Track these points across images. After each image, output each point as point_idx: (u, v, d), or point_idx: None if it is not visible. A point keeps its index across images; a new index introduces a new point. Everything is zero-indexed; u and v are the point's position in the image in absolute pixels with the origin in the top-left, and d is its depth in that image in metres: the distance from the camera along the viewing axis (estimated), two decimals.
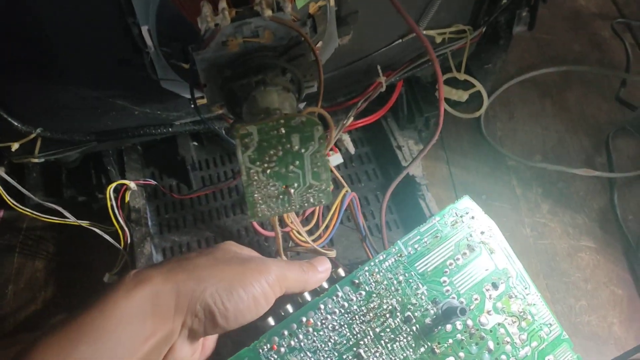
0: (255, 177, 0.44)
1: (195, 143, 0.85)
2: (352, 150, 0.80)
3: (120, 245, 0.73)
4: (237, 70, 0.45)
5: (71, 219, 0.74)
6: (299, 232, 0.56)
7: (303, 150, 0.44)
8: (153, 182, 0.77)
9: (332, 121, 0.46)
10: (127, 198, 0.75)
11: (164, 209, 0.80)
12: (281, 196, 0.47)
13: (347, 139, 0.78)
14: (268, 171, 0.44)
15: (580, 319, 0.68)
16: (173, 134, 0.74)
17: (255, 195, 0.46)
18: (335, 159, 0.82)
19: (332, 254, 0.59)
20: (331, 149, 0.81)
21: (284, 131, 0.42)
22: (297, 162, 0.45)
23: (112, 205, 0.72)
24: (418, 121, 0.83)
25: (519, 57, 0.96)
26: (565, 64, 0.94)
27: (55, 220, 0.75)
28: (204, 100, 0.51)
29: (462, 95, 0.77)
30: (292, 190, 0.46)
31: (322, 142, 0.44)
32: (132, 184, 0.74)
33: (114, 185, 0.72)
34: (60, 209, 0.71)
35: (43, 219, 0.75)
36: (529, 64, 0.94)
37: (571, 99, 0.91)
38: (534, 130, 0.87)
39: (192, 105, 0.53)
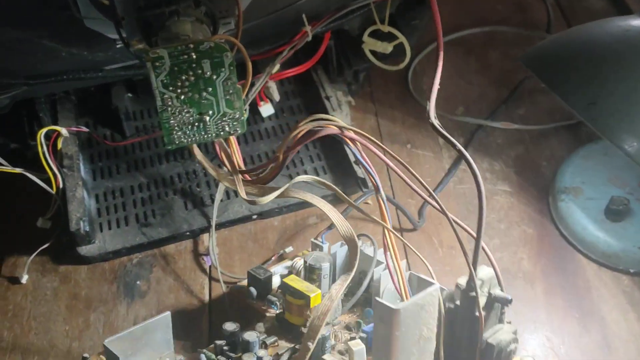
0: (170, 103, 0.47)
1: (130, 95, 0.86)
2: (276, 97, 0.82)
3: (52, 190, 0.74)
4: (151, 1, 0.47)
5: (5, 166, 0.75)
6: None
7: (214, 77, 0.46)
8: (85, 129, 0.79)
9: (246, 52, 0.49)
10: (60, 145, 0.77)
11: (97, 157, 0.82)
12: (197, 123, 0.49)
13: (273, 86, 0.81)
14: (182, 97, 0.47)
15: (492, 255, 0.72)
16: (104, 80, 0.75)
17: (171, 121, 0.48)
18: (267, 109, 0.84)
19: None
20: (262, 99, 0.83)
21: (194, 56, 0.45)
22: (210, 89, 0.47)
23: (43, 151, 0.73)
24: (347, 74, 0.86)
25: (447, 17, 0.99)
26: (490, 24, 0.98)
27: None
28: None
29: (387, 47, 0.80)
30: (207, 118, 0.49)
31: (233, 70, 0.47)
32: (63, 130, 0.76)
33: (44, 130, 0.74)
34: None
35: None
36: (456, 24, 0.98)
37: (494, 56, 0.95)
38: (458, 84, 0.92)
39: (120, 42, 0.55)
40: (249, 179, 0.58)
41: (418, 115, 0.88)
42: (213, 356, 0.59)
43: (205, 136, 0.50)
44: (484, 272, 0.57)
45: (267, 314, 0.66)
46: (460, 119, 0.87)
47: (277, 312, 0.65)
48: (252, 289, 0.67)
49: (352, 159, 0.78)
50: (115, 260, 0.74)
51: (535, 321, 0.68)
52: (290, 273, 0.67)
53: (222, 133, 0.50)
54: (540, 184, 0.80)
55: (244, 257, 0.74)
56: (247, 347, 0.59)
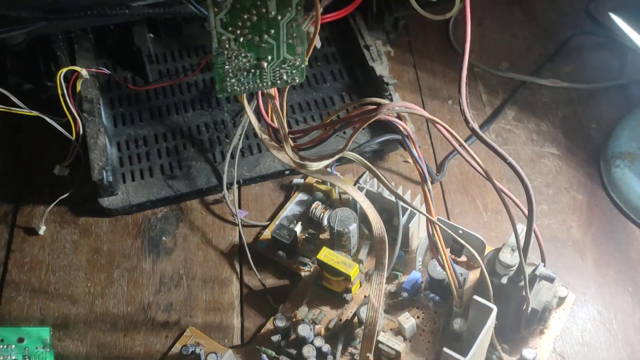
0: (227, 46, 0.41)
1: (152, 35, 0.80)
2: (318, 44, 0.76)
3: (72, 136, 0.69)
4: None
5: (21, 107, 0.69)
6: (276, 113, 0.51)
7: (279, 17, 0.41)
8: (107, 71, 0.73)
9: None
10: (79, 87, 0.71)
11: (118, 102, 0.76)
12: (253, 70, 0.44)
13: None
14: (241, 39, 0.41)
15: (540, 222, 0.69)
16: (129, 18, 0.70)
17: (226, 67, 0.43)
18: None
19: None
20: None
21: None
22: (272, 31, 0.42)
23: (62, 93, 0.67)
24: (387, 21, 0.80)
25: None
26: None
27: (1, 108, 0.70)
28: None
29: None
30: (264, 64, 0.43)
31: (300, 10, 0.41)
32: (84, 72, 0.70)
33: (64, 70, 0.68)
34: (7, 93, 0.66)
35: None
36: None
37: (539, 7, 0.89)
38: (502, 37, 0.86)
39: None
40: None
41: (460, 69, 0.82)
42: (273, 354, 0.58)
43: (260, 84, 0.45)
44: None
45: (303, 274, 0.64)
46: (505, 74, 0.82)
47: (310, 270, 0.64)
48: (281, 252, 0.64)
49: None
50: (138, 214, 0.69)
51: (585, 293, 0.64)
52: (311, 219, 0.66)
53: (278, 82, 0.45)
54: (589, 147, 0.75)
55: (275, 212, 0.69)
56: (303, 341, 0.57)
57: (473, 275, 0.63)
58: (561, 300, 0.60)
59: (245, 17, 0.40)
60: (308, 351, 0.57)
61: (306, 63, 0.45)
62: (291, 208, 0.68)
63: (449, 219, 0.69)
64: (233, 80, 0.44)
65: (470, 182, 0.72)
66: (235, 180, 0.68)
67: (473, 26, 0.87)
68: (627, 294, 0.64)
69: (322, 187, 0.68)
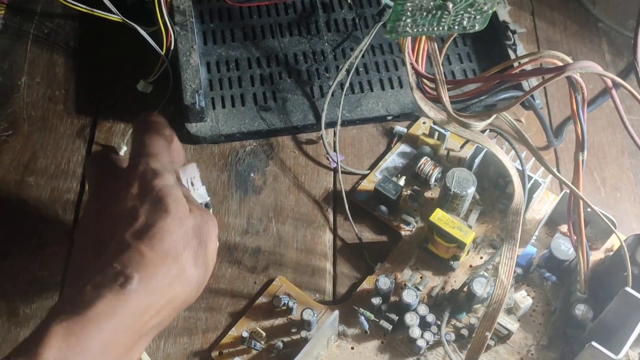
0: None
1: None
2: None
3: (161, 50, 0.62)
4: None
5: (111, 12, 0.63)
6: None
7: None
8: None
9: None
10: None
11: (208, 17, 0.69)
12: (434, 11, 0.37)
13: None
14: None
15: None
16: None
17: (408, 4, 0.36)
18: None
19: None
20: None
21: None
22: None
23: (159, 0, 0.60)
24: None
25: None
26: None
27: (82, 8, 0.63)
28: None
29: None
30: (450, 5, 0.36)
31: None
32: None
33: None
34: None
35: (66, 3, 0.63)
36: None
37: None
38: None
39: None
40: (429, 90, 0.46)
41: (583, 22, 0.74)
42: (372, 317, 0.53)
43: (436, 28, 0.38)
44: None
45: (403, 233, 0.59)
46: (632, 33, 0.73)
47: (412, 230, 0.59)
48: (383, 207, 0.59)
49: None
50: (225, 145, 0.63)
51: None
52: (416, 174, 0.60)
53: (456, 27, 0.38)
54: None
55: (375, 161, 0.63)
56: (406, 307, 0.53)
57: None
58: None
59: None
60: (411, 319, 0.53)
61: (494, 9, 0.38)
62: (392, 159, 0.62)
63: (561, 190, 0.64)
64: (408, 21, 0.37)
65: (588, 151, 0.65)
66: (339, 122, 0.62)
67: None
68: None
69: (430, 140, 0.62)
